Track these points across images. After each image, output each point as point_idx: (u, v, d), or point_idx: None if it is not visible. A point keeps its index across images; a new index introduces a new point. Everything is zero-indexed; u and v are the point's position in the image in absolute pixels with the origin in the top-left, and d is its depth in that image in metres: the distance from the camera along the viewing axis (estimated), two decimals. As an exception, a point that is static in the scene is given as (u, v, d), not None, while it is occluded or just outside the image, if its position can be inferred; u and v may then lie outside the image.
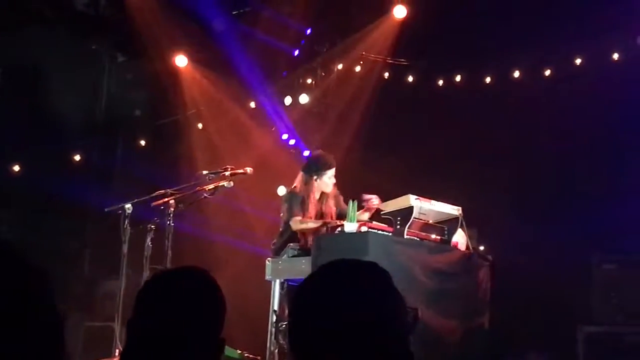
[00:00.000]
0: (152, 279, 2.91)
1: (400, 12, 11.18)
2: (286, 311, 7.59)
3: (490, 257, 7.63)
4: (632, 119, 9.59)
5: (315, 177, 7.72)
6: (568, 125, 10.06)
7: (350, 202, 7.07)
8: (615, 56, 10.28)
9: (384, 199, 7.39)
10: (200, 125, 12.22)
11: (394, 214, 6.98)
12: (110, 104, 13.27)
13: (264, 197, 11.39)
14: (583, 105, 9.92)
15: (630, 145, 9.74)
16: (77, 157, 12.30)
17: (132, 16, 11.64)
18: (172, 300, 2.80)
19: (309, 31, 11.94)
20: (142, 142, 12.43)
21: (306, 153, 11.68)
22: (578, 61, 10.53)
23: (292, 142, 11.86)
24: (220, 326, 2.83)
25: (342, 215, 7.41)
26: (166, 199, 7.28)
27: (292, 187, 7.87)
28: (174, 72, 12.14)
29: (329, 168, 7.75)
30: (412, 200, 6.90)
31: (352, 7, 11.66)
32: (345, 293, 2.35)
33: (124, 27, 11.97)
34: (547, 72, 10.75)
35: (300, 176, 7.82)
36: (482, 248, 8.86)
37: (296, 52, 12.03)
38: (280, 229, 7.76)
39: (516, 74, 10.94)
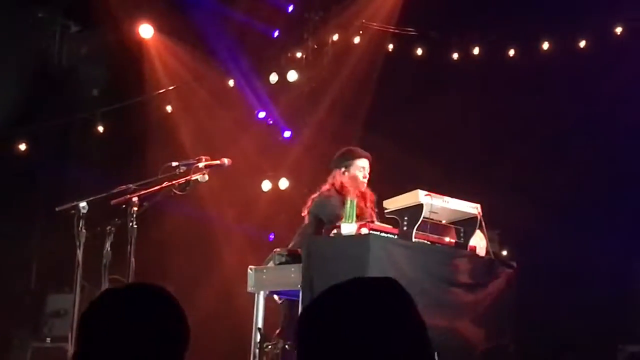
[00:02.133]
0: (99, 301, 2.85)
1: (406, -28, 11.18)
2: (277, 330, 7.60)
3: (514, 263, 7.62)
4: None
5: (343, 170, 7.83)
6: (614, 115, 10.10)
7: (348, 199, 7.06)
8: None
9: (387, 194, 7.40)
10: (169, 108, 12.19)
11: (400, 212, 6.95)
12: (61, 83, 13.21)
13: (246, 192, 11.40)
14: (628, 86, 9.98)
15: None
16: (22, 146, 12.25)
17: (86, -22, 11.62)
18: (123, 327, 2.75)
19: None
20: (100, 129, 12.39)
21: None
22: (618, 30, 10.54)
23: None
24: (181, 355, 2.80)
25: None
26: (128, 196, 7.23)
27: (324, 188, 7.98)
28: (137, 44, 12.11)
29: (357, 157, 7.91)
30: (422, 196, 6.88)
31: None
32: (359, 323, 2.38)
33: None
34: (583, 44, 10.75)
35: (334, 173, 8.01)
36: (504, 253, 8.87)
37: (290, 9, 11.93)
38: (298, 232, 7.84)
39: (545, 45, 10.93)
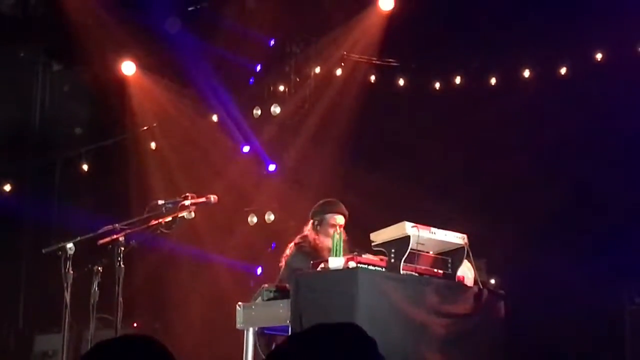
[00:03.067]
0: (89, 357, 2.81)
1: (386, 3, 11.22)
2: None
3: (502, 292, 7.62)
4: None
5: (316, 223, 7.92)
6: (595, 136, 10.15)
7: (335, 233, 7.06)
8: None
9: (374, 226, 7.40)
10: (153, 145, 12.19)
11: (387, 245, 6.94)
12: (45, 122, 13.22)
13: (233, 228, 11.38)
14: (613, 118, 10.03)
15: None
16: (7, 187, 12.23)
17: (68, 17, 11.63)
18: None
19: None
20: (85, 167, 12.38)
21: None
22: (598, 56, 10.61)
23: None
24: None
25: None
26: (115, 236, 7.22)
27: (300, 237, 7.99)
28: (120, 81, 12.12)
29: (331, 213, 7.92)
30: (409, 228, 6.88)
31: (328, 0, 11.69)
32: None
33: (58, 30, 11.95)
34: (563, 70, 10.81)
35: (308, 224, 8.07)
36: (492, 282, 8.88)
37: (271, 42, 11.99)
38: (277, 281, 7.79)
39: (526, 73, 10.99)
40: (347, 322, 2.52)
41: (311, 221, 8.04)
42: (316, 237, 7.93)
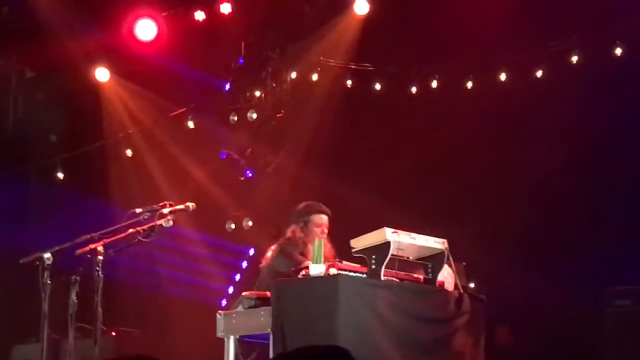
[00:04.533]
0: None
1: (361, 7, 11.24)
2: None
3: (483, 297, 7.64)
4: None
5: (301, 226, 7.84)
6: (578, 147, 10.20)
7: (316, 239, 7.05)
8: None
9: (352, 234, 7.40)
10: (129, 152, 12.14)
11: (368, 251, 6.94)
12: (18, 130, 13.12)
13: (211, 234, 11.35)
14: (587, 120, 10.09)
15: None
16: (-19, 196, 12.15)
17: (40, 24, 11.55)
18: None
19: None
20: (60, 175, 12.30)
21: (258, 180, 11.69)
22: (574, 59, 10.65)
23: (240, 167, 11.84)
24: None
25: None
26: (93, 245, 7.18)
27: (282, 238, 7.95)
28: (94, 88, 12.06)
29: (314, 213, 7.91)
30: (389, 234, 6.88)
31: (304, 4, 11.68)
32: None
33: (32, 37, 11.87)
34: (539, 73, 10.85)
35: (290, 227, 7.97)
36: (472, 285, 8.90)
37: (241, 61, 12.04)
38: (255, 286, 7.73)
39: (502, 76, 11.03)
40: (333, 346, 2.50)
41: (294, 224, 7.97)
42: (298, 238, 7.88)
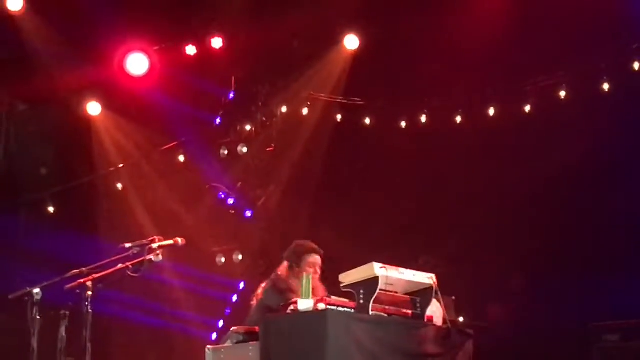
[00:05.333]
0: None
1: (352, 42, 11.32)
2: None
3: (471, 331, 7.65)
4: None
5: (294, 266, 7.84)
6: (560, 173, 10.24)
7: (304, 275, 7.06)
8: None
9: (342, 268, 7.42)
10: (120, 186, 12.16)
11: (356, 286, 6.94)
12: (9, 163, 13.14)
13: (201, 270, 11.35)
14: (577, 151, 10.15)
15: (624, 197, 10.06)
16: (-29, 230, 12.15)
17: (33, 57, 11.61)
18: None
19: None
20: (50, 209, 12.31)
21: (248, 214, 11.71)
22: (562, 94, 10.73)
23: (230, 201, 11.87)
24: None
25: None
26: (82, 280, 7.18)
27: (274, 274, 7.94)
28: (85, 122, 12.10)
29: (307, 253, 7.88)
30: (377, 269, 6.89)
31: (293, 39, 11.76)
32: None
33: (23, 70, 11.93)
34: (528, 108, 10.91)
35: (283, 265, 7.96)
36: (461, 319, 8.91)
37: (231, 95, 12.10)
38: (246, 322, 7.71)
39: (491, 111, 11.08)
40: None
41: (286, 263, 7.97)
42: (290, 276, 7.86)
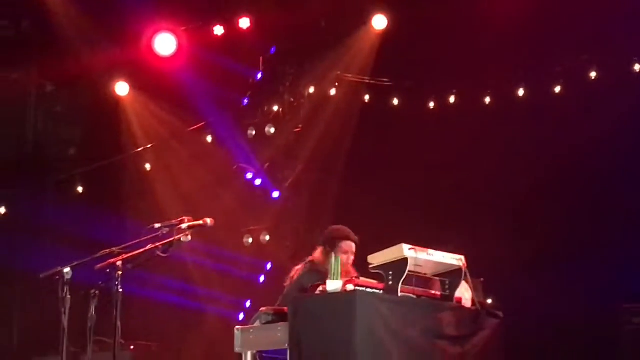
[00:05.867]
0: None
1: (380, 22, 11.28)
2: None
3: (500, 313, 7.64)
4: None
5: (328, 249, 7.85)
6: (589, 156, 10.18)
7: (333, 256, 7.08)
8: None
9: (370, 249, 7.43)
10: (148, 166, 12.19)
11: (385, 267, 6.96)
12: (38, 143, 13.22)
13: (229, 250, 11.38)
14: (604, 133, 10.08)
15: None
16: (2, 210, 12.23)
17: (61, 38, 11.65)
18: None
19: (273, 49, 12.02)
20: (79, 189, 12.37)
21: (276, 194, 11.72)
22: (593, 75, 10.65)
23: (258, 182, 11.89)
24: None
25: None
26: (112, 260, 7.22)
27: (310, 259, 7.96)
28: (114, 102, 12.14)
29: (342, 240, 7.88)
30: (406, 250, 6.90)
31: (321, 19, 11.74)
32: None
33: (52, 51, 11.98)
34: (558, 89, 10.85)
35: (317, 250, 7.98)
36: (490, 301, 8.88)
37: (259, 75, 12.10)
38: (279, 302, 7.73)
39: (521, 92, 11.03)
40: None
41: (321, 248, 7.97)
42: (326, 261, 7.83)
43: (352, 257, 7.86)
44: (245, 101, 12.17)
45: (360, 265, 7.45)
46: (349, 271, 7.69)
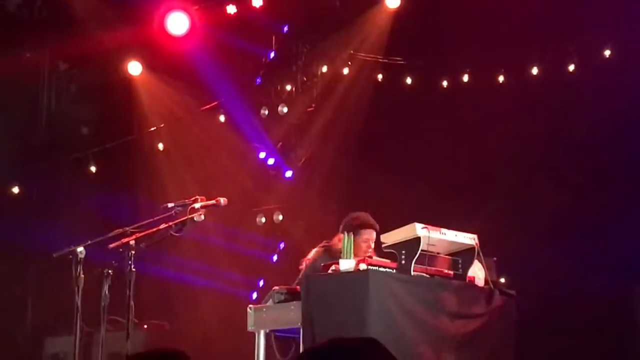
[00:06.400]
0: None
1: (393, 1, 11.24)
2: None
3: (513, 292, 7.66)
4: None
5: (349, 236, 7.78)
6: (602, 134, 10.13)
7: (345, 235, 7.09)
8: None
9: (383, 228, 7.44)
10: (161, 146, 12.20)
11: (398, 246, 6.99)
12: (51, 122, 13.26)
13: (242, 230, 11.41)
14: (618, 110, 10.02)
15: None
16: (15, 189, 12.27)
17: (74, 17, 11.66)
18: None
19: (285, 28, 12.00)
20: (93, 169, 12.39)
21: (288, 174, 11.73)
22: (607, 53, 10.60)
23: (271, 161, 11.90)
24: None
25: None
26: (126, 240, 7.25)
27: (325, 242, 7.93)
28: (126, 81, 12.15)
29: (364, 227, 7.79)
30: (419, 229, 6.92)
31: (334, -2, 11.72)
32: None
33: (65, 30, 11.99)
34: (571, 68, 10.81)
35: (337, 236, 7.88)
36: (502, 280, 8.90)
37: (272, 55, 12.09)
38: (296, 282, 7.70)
39: (535, 70, 10.99)
40: (366, 338, 2.51)
41: (341, 235, 7.87)
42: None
43: (372, 245, 7.76)
44: (258, 80, 12.16)
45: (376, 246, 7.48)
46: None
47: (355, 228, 7.77)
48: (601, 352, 9.48)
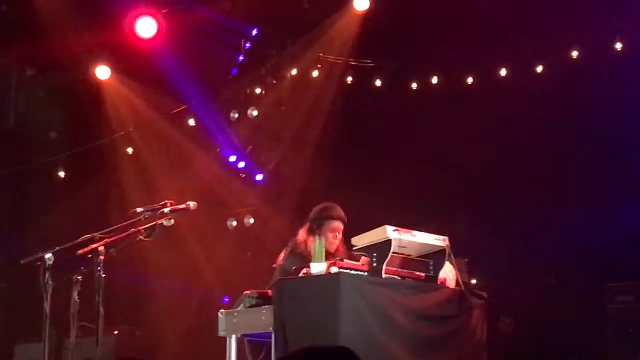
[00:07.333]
0: None
1: (361, 3, 11.23)
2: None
3: (484, 294, 7.65)
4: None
5: (314, 227, 7.78)
6: (566, 132, 10.19)
7: (317, 238, 7.05)
8: (618, 46, 10.44)
9: (354, 231, 7.41)
10: (130, 150, 12.14)
11: (369, 249, 6.96)
12: (19, 127, 13.14)
13: (212, 233, 11.36)
14: (583, 109, 10.07)
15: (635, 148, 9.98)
16: (-17, 194, 12.19)
17: (41, 21, 11.56)
18: None
19: (254, 32, 11.96)
20: (61, 174, 12.30)
21: (259, 177, 11.70)
22: (574, 54, 10.65)
23: (241, 164, 11.86)
24: None
25: None
26: (94, 245, 7.17)
27: (295, 238, 7.91)
28: (95, 86, 12.07)
29: (330, 219, 7.79)
30: (390, 231, 6.89)
31: (303, 1, 11.68)
32: None
33: (32, 35, 11.89)
34: (539, 69, 10.85)
35: (304, 227, 7.90)
36: (474, 282, 8.91)
37: (241, 58, 12.04)
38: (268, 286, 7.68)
39: (503, 72, 11.02)
40: (339, 347, 2.49)
41: (308, 225, 7.91)
42: (309, 241, 7.78)
43: (338, 235, 7.78)
44: (228, 83, 12.11)
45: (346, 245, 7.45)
46: (339, 250, 7.67)
47: (321, 219, 7.78)
48: (572, 350, 9.52)
